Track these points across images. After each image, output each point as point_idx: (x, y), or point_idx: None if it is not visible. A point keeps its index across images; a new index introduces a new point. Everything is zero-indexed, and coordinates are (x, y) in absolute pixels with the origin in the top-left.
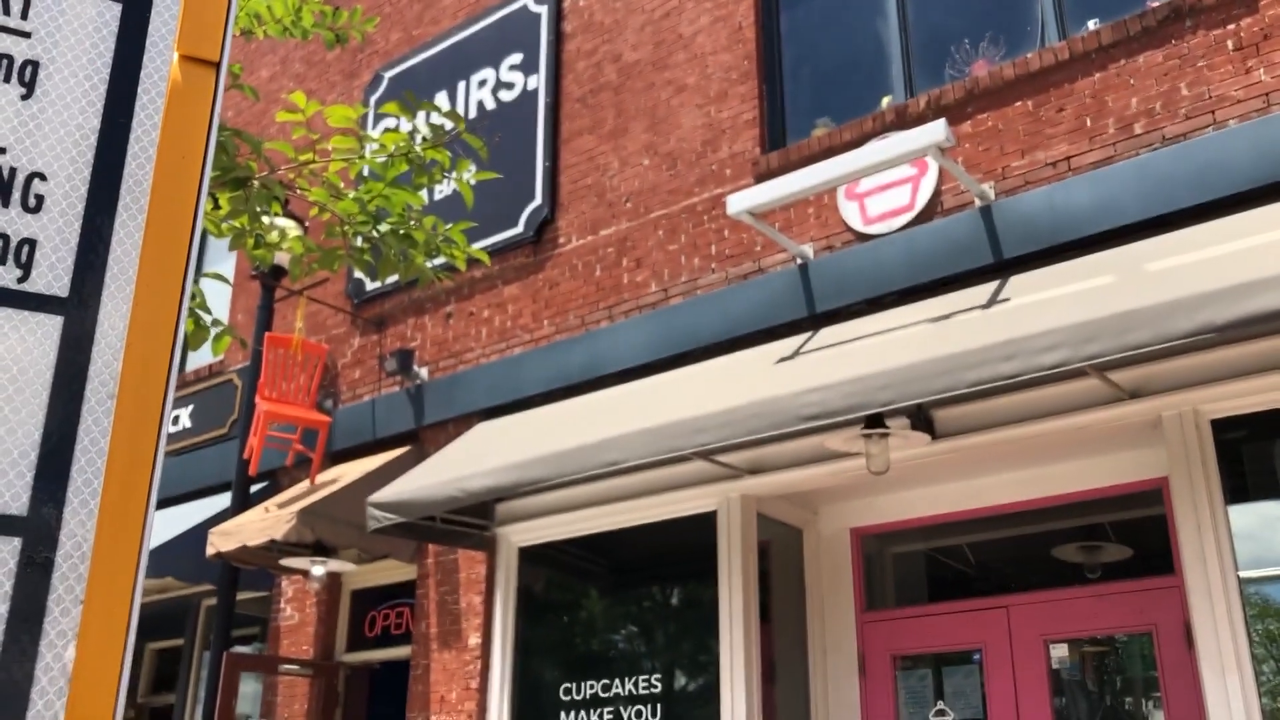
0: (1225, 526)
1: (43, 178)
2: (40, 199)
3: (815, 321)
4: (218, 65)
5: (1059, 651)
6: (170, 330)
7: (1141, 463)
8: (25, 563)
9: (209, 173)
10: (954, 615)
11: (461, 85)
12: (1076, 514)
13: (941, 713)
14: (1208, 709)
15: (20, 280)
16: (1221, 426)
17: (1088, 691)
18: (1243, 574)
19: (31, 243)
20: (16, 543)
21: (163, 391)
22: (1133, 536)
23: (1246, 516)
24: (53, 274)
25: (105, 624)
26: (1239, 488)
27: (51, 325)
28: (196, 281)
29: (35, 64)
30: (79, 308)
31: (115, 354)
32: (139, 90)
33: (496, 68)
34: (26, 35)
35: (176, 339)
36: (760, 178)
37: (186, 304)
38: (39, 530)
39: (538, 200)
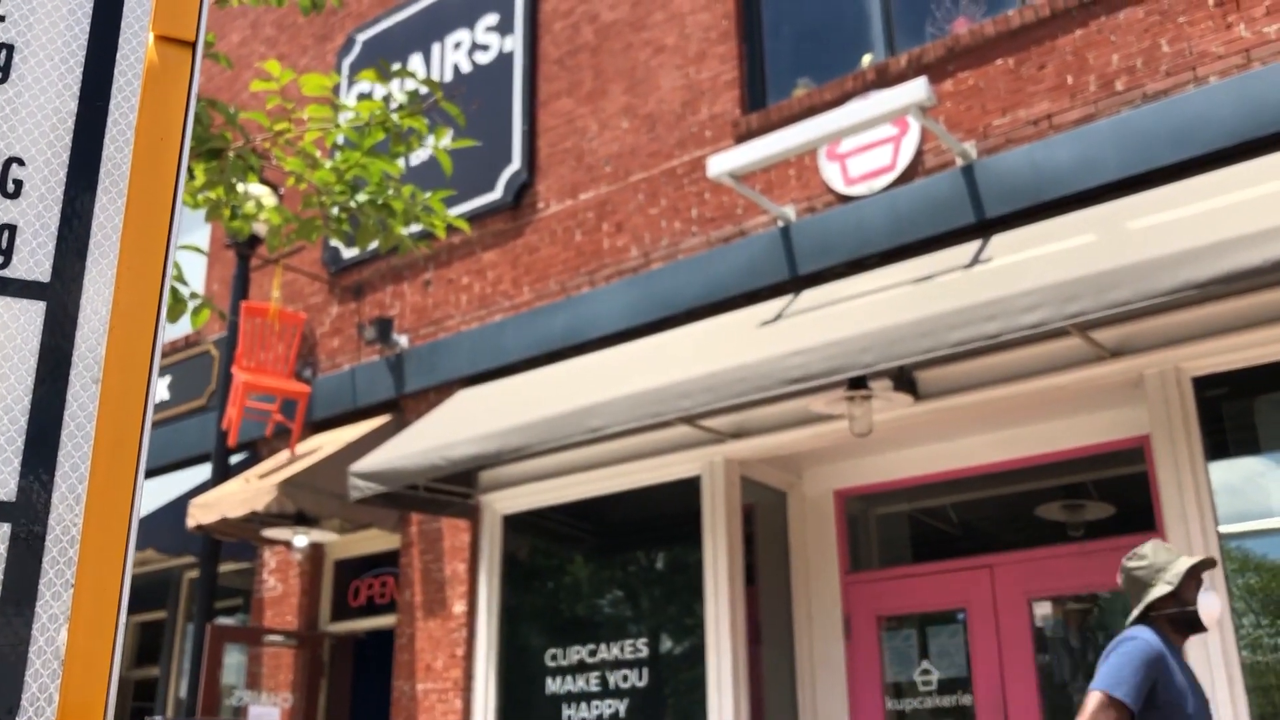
0: (1206, 482)
1: (20, 163)
2: (19, 184)
3: (797, 284)
4: (194, 45)
5: (1043, 609)
6: (152, 313)
7: (1123, 421)
8: (15, 547)
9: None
10: (938, 575)
11: (436, 48)
12: (1059, 473)
13: (926, 672)
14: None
15: (1, 266)
16: (1202, 384)
17: (1071, 648)
18: (1223, 529)
19: (11, 228)
20: (6, 528)
21: (146, 373)
22: (1115, 494)
23: (1227, 472)
24: (34, 259)
25: (96, 607)
26: (1219, 444)
27: (35, 311)
28: None
29: (10, 48)
30: (61, 292)
31: (99, 338)
32: (115, 72)
33: (472, 29)
34: (1, 19)
35: (159, 321)
36: (741, 139)
37: (168, 285)
38: (28, 515)
39: (516, 165)
